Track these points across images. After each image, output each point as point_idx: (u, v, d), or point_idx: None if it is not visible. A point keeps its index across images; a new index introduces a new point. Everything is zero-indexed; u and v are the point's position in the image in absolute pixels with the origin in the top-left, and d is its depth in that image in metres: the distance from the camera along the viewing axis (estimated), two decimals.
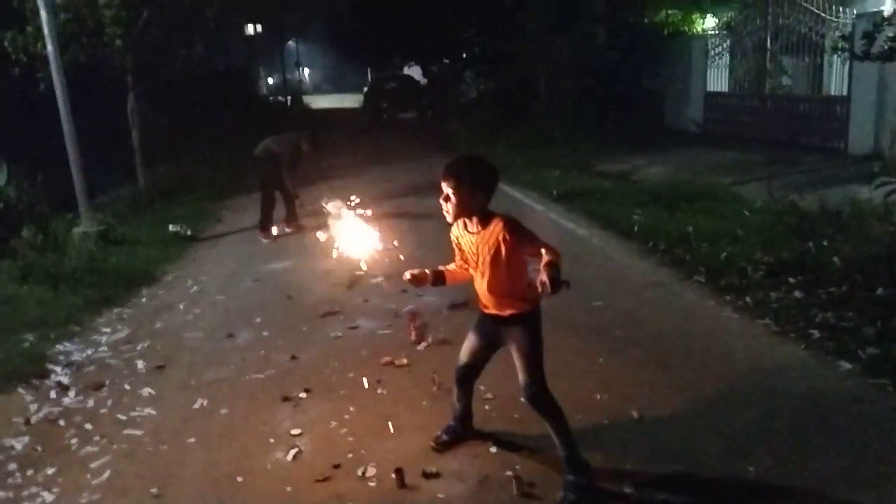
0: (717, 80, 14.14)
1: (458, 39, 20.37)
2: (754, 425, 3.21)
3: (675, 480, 2.84)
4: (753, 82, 12.84)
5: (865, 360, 3.74)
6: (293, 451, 3.17)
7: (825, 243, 5.51)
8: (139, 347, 4.60)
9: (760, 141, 11.83)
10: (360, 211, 3.01)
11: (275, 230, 7.46)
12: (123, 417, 3.62)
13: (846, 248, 5.31)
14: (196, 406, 3.71)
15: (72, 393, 3.94)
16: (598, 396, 3.55)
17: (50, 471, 3.15)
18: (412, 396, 3.67)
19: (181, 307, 5.42)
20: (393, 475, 2.88)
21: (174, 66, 12.90)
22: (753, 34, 12.78)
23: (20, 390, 4.00)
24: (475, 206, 2.69)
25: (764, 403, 3.41)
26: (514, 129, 14.54)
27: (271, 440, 3.30)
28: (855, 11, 10.32)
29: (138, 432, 3.46)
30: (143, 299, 5.69)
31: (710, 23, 14.82)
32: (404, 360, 4.10)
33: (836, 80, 11.27)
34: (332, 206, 3.10)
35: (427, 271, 2.94)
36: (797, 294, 4.73)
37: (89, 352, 4.55)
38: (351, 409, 3.56)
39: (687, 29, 15.09)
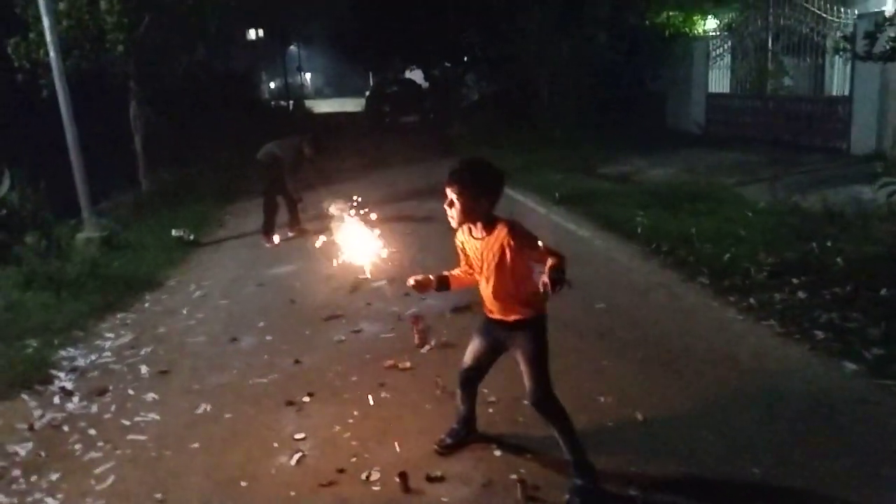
0: (719, 81, 14.14)
1: (459, 42, 20.40)
2: (759, 426, 3.20)
3: (680, 482, 2.83)
4: (755, 83, 12.84)
5: (870, 360, 3.73)
6: (297, 456, 3.16)
7: (828, 244, 5.50)
8: (142, 352, 4.60)
9: (762, 142, 11.83)
10: (363, 212, 3.01)
11: (276, 239, 7.45)
12: (127, 423, 3.62)
13: (849, 249, 5.30)
14: (199, 411, 3.70)
15: (75, 398, 3.94)
16: (602, 399, 3.54)
17: (54, 476, 3.14)
18: (415, 400, 3.66)
19: (184, 312, 5.42)
20: (397, 479, 2.87)
21: (176, 71, 12.93)
22: (755, 35, 12.78)
23: (24, 396, 4.00)
24: (479, 212, 2.69)
25: (768, 405, 3.40)
26: (515, 132, 14.55)
27: (275, 445, 3.29)
28: (856, 11, 10.31)
29: (142, 437, 3.46)
30: (147, 304, 5.70)
31: (711, 24, 14.82)
32: (407, 364, 4.10)
33: (837, 80, 11.27)
34: (335, 209, 3.10)
35: (431, 277, 2.94)
36: (801, 295, 4.72)
37: (93, 357, 4.55)
38: (354, 413, 3.55)
39: (688, 30, 15.09)
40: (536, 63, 14.56)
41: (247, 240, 7.86)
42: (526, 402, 2.82)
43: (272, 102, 33.66)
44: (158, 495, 2.96)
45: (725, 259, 5.49)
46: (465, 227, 2.78)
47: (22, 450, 3.40)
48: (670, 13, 15.05)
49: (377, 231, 2.99)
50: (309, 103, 37.36)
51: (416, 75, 29.25)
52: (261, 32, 35.39)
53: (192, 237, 7.82)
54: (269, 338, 4.74)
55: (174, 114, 13.28)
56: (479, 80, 23.34)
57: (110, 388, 4.06)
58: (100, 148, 9.80)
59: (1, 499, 3.02)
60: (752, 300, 4.76)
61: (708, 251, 5.76)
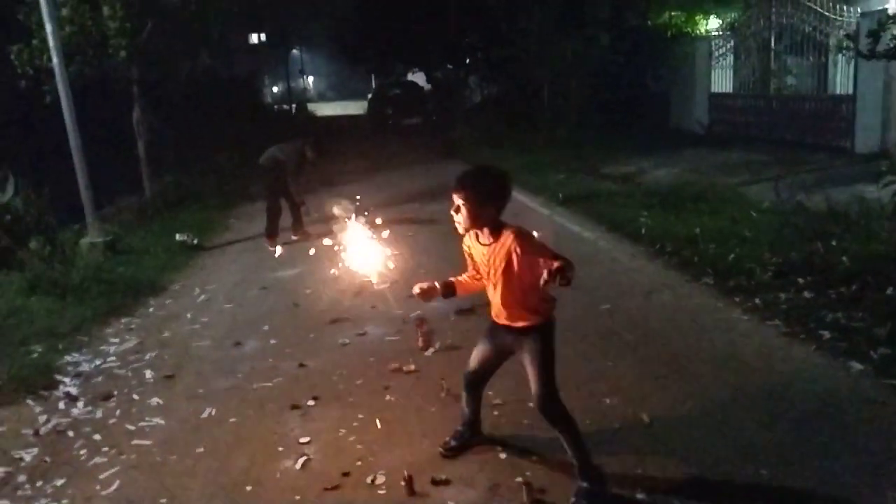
0: (722, 81, 14.12)
1: (461, 45, 20.42)
2: (766, 427, 3.19)
3: (686, 484, 2.82)
4: (758, 83, 12.82)
5: (877, 360, 3.71)
6: (302, 460, 3.16)
7: (833, 243, 5.48)
8: (147, 357, 4.60)
9: (766, 141, 11.81)
10: (366, 215, 3.01)
11: (279, 249, 7.39)
12: (132, 427, 3.61)
13: (854, 248, 5.27)
14: (204, 415, 3.70)
15: (80, 403, 3.94)
16: (608, 401, 3.53)
17: (59, 482, 3.14)
18: (420, 403, 3.66)
19: (189, 316, 5.42)
20: (402, 483, 2.86)
21: (179, 76, 12.96)
22: (757, 34, 12.77)
23: (29, 401, 4.00)
24: (486, 218, 2.69)
25: (775, 405, 3.38)
26: (517, 133, 14.55)
27: (280, 449, 3.29)
28: (859, 10, 10.29)
29: (147, 442, 3.45)
30: (151, 309, 5.70)
31: (713, 24, 14.82)
32: (412, 367, 4.09)
33: (841, 79, 11.24)
34: (338, 210, 3.10)
35: (437, 284, 2.93)
36: (807, 295, 4.70)
37: (97, 362, 4.55)
38: (359, 416, 3.55)
39: (690, 30, 15.09)
40: (538, 64, 14.56)
41: (250, 243, 7.87)
42: (531, 404, 2.81)
43: (275, 106, 33.71)
44: (164, 500, 2.95)
45: (730, 259, 5.47)
46: (471, 232, 2.78)
47: (27, 455, 3.40)
48: (672, 13, 15.05)
49: (382, 233, 2.99)
50: (311, 107, 37.49)
51: (418, 78, 29.29)
52: (263, 37, 35.51)
53: (195, 241, 7.83)
54: (273, 341, 4.74)
55: (177, 118, 13.31)
56: (482, 81, 23.37)
57: (115, 392, 4.06)
58: (103, 153, 9.84)
59: None
60: (757, 300, 4.74)
61: (712, 251, 5.74)
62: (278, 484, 3.01)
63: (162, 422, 3.66)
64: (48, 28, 7.30)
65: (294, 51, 45.96)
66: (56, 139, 7.79)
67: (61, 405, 3.94)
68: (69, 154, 7.36)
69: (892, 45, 5.91)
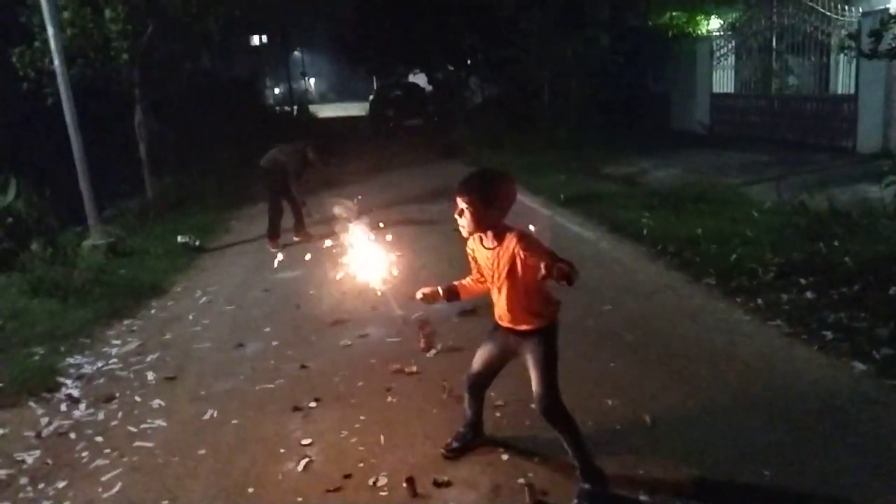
0: (723, 81, 14.13)
1: (462, 46, 20.43)
2: (768, 428, 3.18)
3: (689, 485, 2.81)
4: (759, 83, 12.82)
5: (879, 360, 3.70)
6: (304, 462, 3.15)
7: (836, 243, 5.47)
8: (149, 359, 4.60)
9: (768, 141, 11.81)
10: (367, 216, 3.01)
11: (280, 256, 7.37)
12: (134, 430, 3.61)
13: (857, 248, 5.27)
14: (206, 417, 3.70)
15: (82, 406, 3.94)
16: (610, 402, 3.52)
17: (61, 484, 3.14)
18: (422, 404, 3.65)
19: (190, 318, 5.42)
20: (404, 484, 2.86)
21: (180, 78, 12.97)
22: (758, 34, 12.76)
23: (31, 404, 4.00)
24: (490, 222, 2.68)
25: (777, 406, 3.38)
26: (518, 134, 14.55)
27: (282, 450, 3.29)
28: (861, 9, 10.28)
29: (149, 444, 3.45)
30: (153, 311, 5.71)
31: (714, 24, 14.81)
32: (414, 368, 4.09)
33: (843, 78, 11.23)
34: (340, 210, 3.10)
35: (439, 288, 2.94)
36: (809, 295, 4.69)
37: (99, 364, 4.56)
38: (361, 417, 3.54)
39: (691, 31, 15.08)
40: (538, 65, 14.56)
41: (252, 245, 7.88)
42: (533, 405, 2.81)
43: (276, 108, 33.78)
44: (165, 502, 2.95)
45: (732, 260, 5.47)
46: (476, 236, 2.77)
47: (29, 457, 3.40)
48: (673, 14, 15.05)
49: (383, 235, 2.98)
50: (313, 108, 37.55)
51: (419, 79, 29.30)
52: (264, 38, 35.56)
53: (197, 243, 7.84)
54: (275, 343, 4.74)
55: (178, 121, 13.33)
56: (482, 82, 23.38)
57: (117, 394, 4.06)
58: (105, 155, 9.85)
59: None
60: (759, 301, 4.74)
61: (714, 252, 5.74)
62: (280, 486, 3.01)
63: (164, 423, 3.66)
64: (50, 30, 7.31)
65: (295, 52, 46.05)
66: (58, 141, 7.80)
67: (63, 407, 3.94)
68: (71, 156, 7.38)
69: (894, 45, 5.90)
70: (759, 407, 3.38)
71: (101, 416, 3.81)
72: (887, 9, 8.94)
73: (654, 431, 3.23)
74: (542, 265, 2.37)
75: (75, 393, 4.11)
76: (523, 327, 2.75)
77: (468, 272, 2.96)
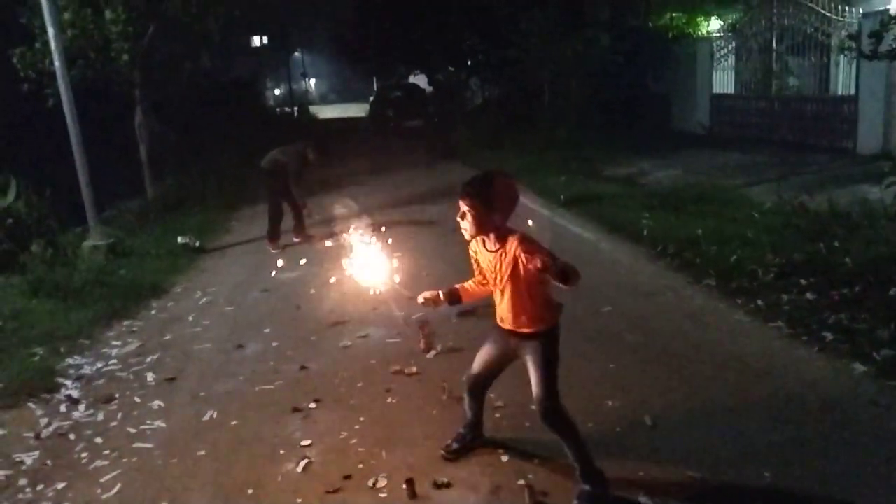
0: (724, 82, 14.12)
1: (462, 47, 20.43)
2: (768, 429, 3.18)
3: (689, 487, 2.81)
4: (760, 84, 12.81)
5: (879, 362, 3.70)
6: (303, 463, 3.15)
7: (836, 244, 5.47)
8: (149, 360, 4.60)
9: (768, 142, 11.80)
10: (367, 217, 3.01)
11: (280, 262, 7.36)
12: (133, 430, 3.61)
13: (857, 249, 5.26)
14: (206, 418, 3.70)
15: (82, 406, 3.94)
16: (610, 403, 3.52)
17: (60, 485, 3.14)
18: (422, 405, 3.65)
19: (190, 319, 5.42)
20: (404, 486, 2.86)
21: (181, 79, 12.98)
22: (759, 35, 12.76)
23: (30, 404, 4.00)
24: (492, 225, 2.68)
25: (778, 407, 3.37)
26: (519, 135, 14.55)
27: (281, 452, 3.28)
28: (861, 10, 10.28)
29: (148, 445, 3.45)
30: (153, 311, 5.70)
31: (714, 25, 14.81)
32: (413, 369, 4.09)
33: (843, 79, 11.23)
34: (341, 210, 3.10)
35: (440, 293, 2.93)
36: (809, 296, 4.69)
37: (99, 365, 4.55)
38: (361, 419, 3.54)
39: (692, 31, 15.08)
40: (538, 66, 14.56)
41: (252, 246, 7.87)
42: (533, 407, 2.81)
43: (277, 109, 33.80)
44: (164, 503, 2.95)
45: (732, 261, 5.46)
46: (478, 238, 2.77)
47: (28, 458, 3.40)
48: (673, 14, 15.05)
49: (383, 235, 2.98)
50: (313, 109, 37.57)
51: (419, 80, 29.31)
52: (265, 39, 35.58)
53: (197, 244, 7.84)
54: (275, 344, 4.74)
55: (179, 121, 13.33)
56: (483, 83, 23.39)
57: (116, 395, 4.06)
58: (105, 156, 9.83)
59: None
60: (759, 302, 4.73)
61: (714, 253, 5.73)
62: (279, 487, 3.00)
63: (163, 424, 3.66)
64: (50, 31, 7.31)
65: (296, 53, 46.06)
66: (58, 142, 7.80)
67: (62, 408, 3.94)
68: (71, 157, 7.37)
69: (894, 46, 5.90)
70: (760, 408, 3.38)
71: (100, 416, 3.80)
72: (887, 10, 8.94)
73: (654, 432, 3.23)
74: (539, 259, 2.37)
75: (75, 394, 4.11)
76: (524, 330, 2.74)
77: (469, 273, 2.96)
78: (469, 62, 21.96)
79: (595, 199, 8.55)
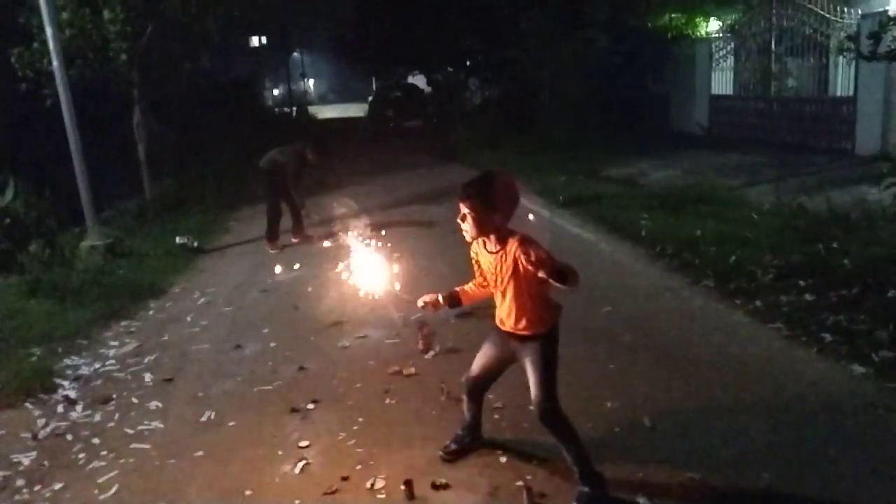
0: (722, 82, 14.12)
1: (461, 47, 20.43)
2: (767, 431, 3.17)
3: (688, 489, 2.80)
4: (758, 84, 12.78)
5: (878, 363, 3.70)
6: (301, 464, 3.14)
7: (835, 245, 5.47)
8: (147, 360, 4.59)
9: (767, 143, 11.77)
10: (367, 218, 3.01)
11: (279, 269, 7.32)
12: (131, 431, 3.60)
13: (856, 250, 5.26)
14: (204, 419, 3.69)
15: (79, 407, 3.93)
16: (609, 404, 3.51)
17: (57, 486, 3.13)
18: (420, 406, 3.64)
19: (188, 319, 5.41)
20: (402, 487, 2.85)
21: (179, 79, 12.95)
22: (757, 36, 12.75)
23: (28, 405, 3.99)
24: (493, 226, 2.67)
25: (776, 408, 3.37)
26: (518, 135, 14.54)
27: (279, 452, 3.28)
28: (860, 11, 10.28)
29: (146, 446, 3.44)
30: (151, 312, 5.69)
31: (713, 26, 14.81)
32: (412, 370, 4.08)
33: (841, 80, 11.23)
34: (340, 209, 3.10)
35: (440, 296, 2.93)
36: (808, 297, 4.68)
37: (97, 365, 4.54)
38: (359, 419, 3.53)
39: (690, 32, 15.08)
40: (537, 66, 14.56)
41: (250, 246, 7.86)
42: (532, 408, 2.80)
43: (276, 109, 33.77)
44: None
45: (731, 262, 5.46)
46: (479, 240, 2.77)
47: (25, 459, 3.39)
48: (672, 15, 15.05)
49: (382, 236, 2.98)
50: (312, 109, 37.53)
51: (418, 80, 29.30)
52: (264, 39, 35.55)
53: (195, 244, 7.82)
54: (273, 344, 4.73)
55: (177, 121, 13.31)
56: (482, 83, 23.38)
57: (114, 396, 4.05)
58: (103, 156, 9.83)
59: None
60: (758, 303, 4.73)
61: (713, 254, 5.73)
62: (277, 488, 3.00)
63: (161, 425, 3.65)
64: (48, 31, 7.30)
65: (295, 53, 46.02)
66: (56, 142, 7.78)
67: (60, 409, 3.93)
68: (69, 157, 7.36)
69: (893, 47, 5.89)
70: (758, 409, 3.37)
71: (97, 417, 3.79)
72: (886, 11, 8.95)
73: (653, 433, 3.22)
74: (533, 254, 2.37)
75: (72, 394, 4.10)
76: (524, 332, 2.74)
77: (469, 275, 2.95)
78: (468, 62, 21.96)
79: (594, 200, 8.55)
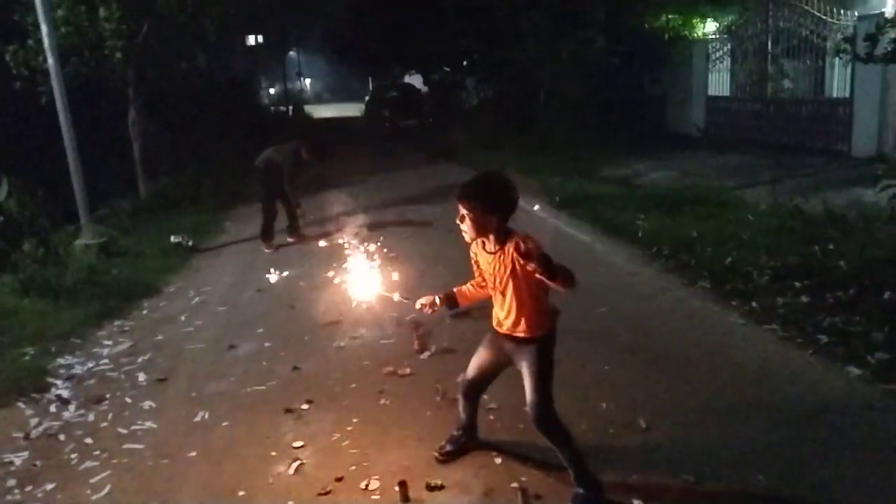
0: (719, 84, 14.15)
1: (458, 47, 20.42)
2: (763, 433, 3.17)
3: (683, 490, 2.79)
4: (755, 86, 12.81)
5: (874, 365, 3.69)
6: (295, 464, 3.13)
7: (831, 247, 5.47)
8: (140, 360, 4.56)
9: (763, 144, 11.80)
10: (364, 218, 3.00)
11: (274, 275, 7.26)
12: (124, 431, 3.58)
13: (852, 252, 5.26)
14: (197, 419, 3.67)
15: (72, 407, 3.91)
16: (605, 405, 3.50)
17: (49, 486, 3.11)
18: (415, 407, 3.63)
19: (182, 319, 5.39)
20: (396, 488, 2.84)
21: (175, 77, 12.92)
22: (754, 38, 12.78)
23: (20, 404, 3.96)
24: (490, 227, 2.66)
25: (772, 410, 3.36)
26: (515, 135, 14.54)
27: (273, 453, 3.26)
28: (857, 13, 10.30)
29: (139, 446, 3.42)
30: (145, 311, 5.67)
31: (710, 27, 14.82)
32: (407, 370, 4.07)
33: (838, 82, 11.25)
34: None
35: (437, 297, 2.92)
36: (804, 299, 4.68)
37: (90, 365, 4.52)
38: (354, 420, 3.52)
39: (688, 33, 15.09)
40: (535, 66, 14.56)
41: (245, 245, 7.83)
42: (527, 409, 2.79)
43: (272, 108, 33.69)
44: None
45: (727, 263, 5.46)
46: (478, 240, 2.75)
47: (17, 459, 3.36)
48: (669, 16, 15.05)
49: (379, 236, 2.97)
50: (308, 108, 37.48)
51: (415, 80, 29.29)
52: (260, 38, 35.48)
53: (190, 243, 7.80)
54: (267, 344, 4.71)
55: (173, 120, 13.28)
56: (479, 84, 23.37)
57: (107, 396, 4.02)
58: (98, 154, 9.80)
59: None
60: (754, 304, 4.73)
61: (709, 255, 5.73)
62: (271, 489, 2.98)
63: (154, 425, 3.63)
64: (44, 29, 7.27)
65: (291, 52, 45.93)
66: (51, 140, 7.76)
67: (53, 408, 3.90)
68: (64, 155, 7.33)
69: (889, 49, 5.90)
70: (754, 411, 3.37)
71: (90, 417, 3.77)
72: (883, 13, 8.98)
73: (648, 435, 3.21)
74: (523, 245, 2.35)
75: (65, 394, 4.08)
76: (521, 335, 2.72)
77: (466, 275, 2.94)
78: (465, 62, 21.95)
79: (591, 201, 8.54)
